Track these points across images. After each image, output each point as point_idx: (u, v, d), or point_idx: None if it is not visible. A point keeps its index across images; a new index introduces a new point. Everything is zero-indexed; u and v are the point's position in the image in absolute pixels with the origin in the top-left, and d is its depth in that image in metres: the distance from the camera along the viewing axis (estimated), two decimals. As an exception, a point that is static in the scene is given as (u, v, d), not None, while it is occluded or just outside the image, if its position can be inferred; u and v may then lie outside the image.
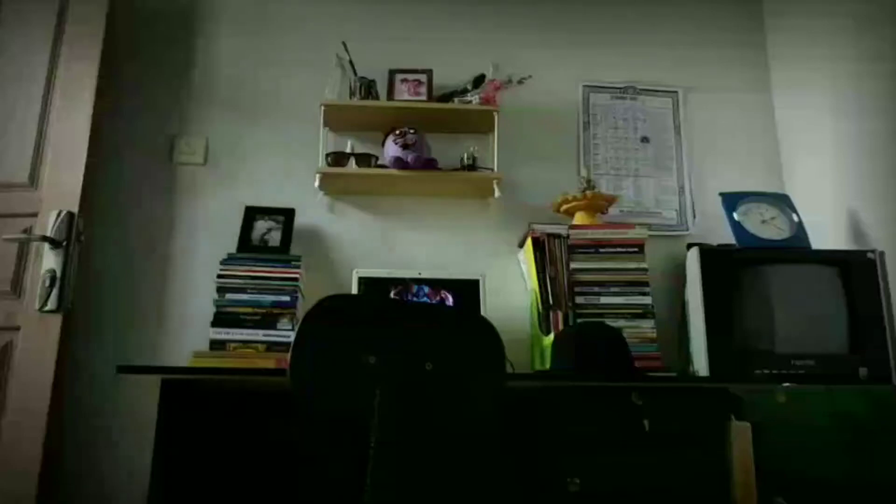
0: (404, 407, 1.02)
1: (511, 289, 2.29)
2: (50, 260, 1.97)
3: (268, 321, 1.97)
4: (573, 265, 2.10)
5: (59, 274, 1.96)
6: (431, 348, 1.09)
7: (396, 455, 0.95)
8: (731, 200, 2.21)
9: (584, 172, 2.35)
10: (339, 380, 1.09)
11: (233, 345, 1.93)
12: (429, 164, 2.25)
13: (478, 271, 2.16)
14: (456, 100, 2.35)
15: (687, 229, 2.46)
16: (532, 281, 2.15)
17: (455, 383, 1.10)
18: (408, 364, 1.06)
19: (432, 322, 1.09)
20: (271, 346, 1.94)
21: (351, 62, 2.34)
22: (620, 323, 2.04)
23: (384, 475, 0.88)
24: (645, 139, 2.55)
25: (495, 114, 2.32)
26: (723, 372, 1.92)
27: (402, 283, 2.10)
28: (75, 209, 2.01)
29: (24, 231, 2.01)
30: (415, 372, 1.07)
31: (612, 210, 2.38)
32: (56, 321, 1.93)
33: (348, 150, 2.27)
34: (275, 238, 2.14)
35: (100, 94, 2.13)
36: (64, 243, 1.98)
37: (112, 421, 2.07)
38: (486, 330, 1.25)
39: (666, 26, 2.68)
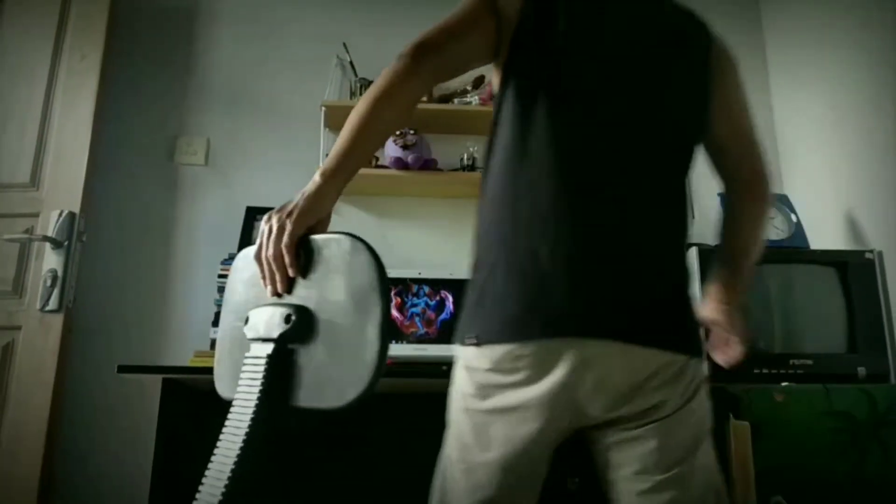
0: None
1: (511, 289, 2.29)
2: (51, 260, 1.98)
3: (268, 321, 1.98)
4: (573, 265, 2.10)
5: (60, 274, 1.96)
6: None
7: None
8: (730, 201, 2.22)
9: (583, 173, 2.35)
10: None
11: (233, 344, 1.93)
12: (429, 165, 2.25)
13: (477, 271, 2.16)
14: (456, 101, 2.35)
15: (686, 229, 2.46)
16: (532, 281, 2.16)
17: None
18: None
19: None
20: (272, 346, 1.94)
21: (351, 63, 2.34)
22: (620, 323, 2.05)
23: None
24: (644, 140, 2.56)
25: (495, 114, 2.32)
26: (721, 371, 1.92)
27: (402, 283, 2.10)
28: (77, 209, 2.02)
29: (26, 231, 2.01)
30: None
31: (612, 210, 2.38)
32: (57, 321, 1.94)
33: (348, 150, 2.27)
34: (275, 238, 2.14)
35: (101, 94, 2.14)
36: (65, 243, 1.98)
37: (113, 420, 2.07)
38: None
39: (665, 27, 2.68)
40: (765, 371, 1.91)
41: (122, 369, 1.61)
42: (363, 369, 0.77)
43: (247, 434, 0.76)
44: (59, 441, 1.96)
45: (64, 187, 2.05)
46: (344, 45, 2.34)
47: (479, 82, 2.38)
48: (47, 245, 1.99)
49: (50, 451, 1.88)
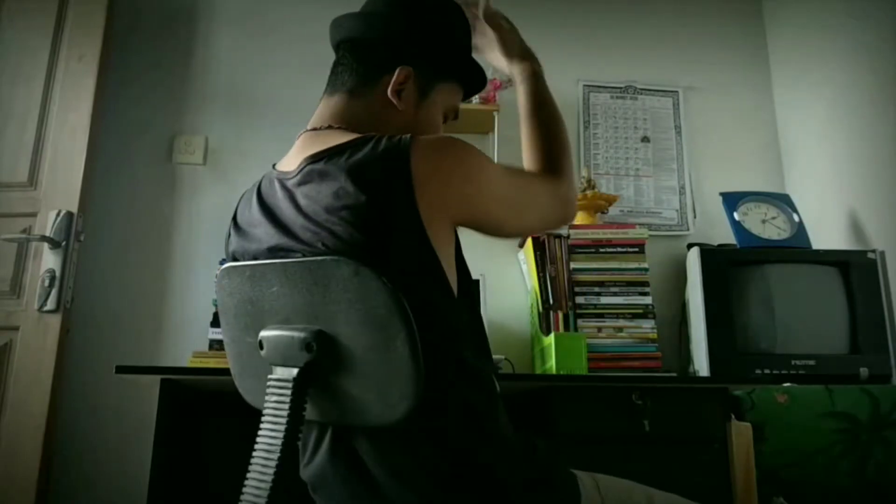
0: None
1: (511, 289, 2.29)
2: (49, 260, 1.97)
3: (267, 321, 1.97)
4: (573, 265, 2.10)
5: (58, 274, 1.96)
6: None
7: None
8: (732, 200, 2.21)
9: (584, 172, 2.35)
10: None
11: (232, 345, 1.92)
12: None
13: (478, 271, 2.16)
14: (456, 99, 2.34)
15: (687, 229, 2.46)
16: (532, 281, 2.15)
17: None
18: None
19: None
20: (271, 346, 1.94)
21: (351, 62, 2.33)
22: (621, 322, 2.04)
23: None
24: (645, 139, 2.55)
25: (495, 114, 2.32)
26: (723, 372, 1.92)
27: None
28: (74, 209, 2.01)
29: (24, 231, 2.01)
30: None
31: (613, 210, 2.37)
32: (55, 321, 1.93)
33: (348, 149, 2.26)
34: (274, 238, 2.14)
35: (99, 94, 2.13)
36: (63, 243, 1.98)
37: (111, 421, 2.06)
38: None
39: (666, 26, 2.67)
40: (766, 371, 1.90)
41: (121, 370, 1.60)
42: (405, 385, 0.78)
43: (279, 459, 0.80)
44: (57, 442, 1.96)
45: (62, 187, 2.04)
46: (343, 43, 2.33)
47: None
48: (45, 245, 1.98)
49: (48, 452, 1.87)
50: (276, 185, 0.95)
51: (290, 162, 0.96)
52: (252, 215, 0.97)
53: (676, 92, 2.61)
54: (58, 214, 2.00)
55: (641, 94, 2.59)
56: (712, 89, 2.62)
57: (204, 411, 1.83)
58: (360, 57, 1.00)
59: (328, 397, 0.85)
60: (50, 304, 1.93)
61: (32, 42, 2.17)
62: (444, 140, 0.89)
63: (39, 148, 2.09)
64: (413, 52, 1.00)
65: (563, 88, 2.56)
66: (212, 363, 1.80)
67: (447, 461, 0.84)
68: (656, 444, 1.62)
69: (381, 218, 0.83)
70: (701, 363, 1.98)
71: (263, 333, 0.88)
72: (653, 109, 2.58)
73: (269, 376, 0.86)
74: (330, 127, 0.98)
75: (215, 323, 1.95)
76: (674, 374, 2.10)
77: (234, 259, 0.98)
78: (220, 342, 1.92)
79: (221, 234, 2.21)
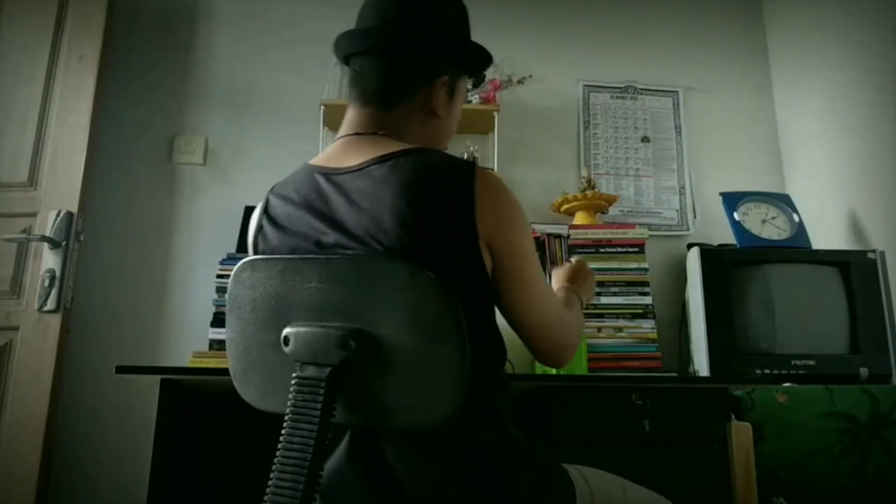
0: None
1: (511, 289, 2.28)
2: (49, 260, 1.97)
3: (267, 321, 1.96)
4: (573, 265, 2.10)
5: (58, 274, 1.96)
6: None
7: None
8: (732, 200, 2.21)
9: (584, 172, 2.34)
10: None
11: (232, 345, 1.92)
12: (429, 164, 2.24)
13: (478, 271, 2.15)
14: (456, 99, 2.34)
15: (687, 229, 2.46)
16: (532, 281, 2.15)
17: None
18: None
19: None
20: (271, 346, 1.93)
21: (351, 62, 2.33)
22: (621, 322, 2.04)
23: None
24: (645, 139, 2.55)
25: (495, 114, 2.32)
26: (723, 372, 1.92)
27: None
28: (74, 209, 2.01)
29: (24, 231, 2.01)
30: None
31: (613, 210, 2.37)
32: (55, 321, 1.93)
33: (348, 149, 2.26)
34: (274, 238, 2.13)
35: (99, 94, 2.13)
36: (63, 243, 1.98)
37: (111, 421, 2.06)
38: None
39: (666, 26, 2.67)
40: (767, 371, 1.90)
41: (121, 370, 1.61)
42: (449, 390, 0.77)
43: (311, 462, 0.77)
44: (57, 442, 1.96)
45: (62, 187, 2.04)
46: (343, 43, 2.33)
47: (479, 81, 2.37)
48: (45, 245, 1.99)
49: (47, 452, 1.87)
50: (321, 179, 0.95)
51: (342, 159, 0.96)
52: (292, 210, 0.97)
53: (676, 92, 2.60)
54: (58, 214, 2.00)
55: (641, 94, 2.59)
56: (712, 89, 2.62)
57: (204, 411, 1.83)
58: (392, 69, 1.01)
59: (357, 398, 0.82)
60: (50, 304, 1.93)
61: (32, 42, 2.16)
62: (503, 183, 0.96)
63: (39, 148, 2.09)
64: (445, 61, 1.04)
65: (563, 88, 2.56)
66: (212, 363, 1.80)
67: (466, 461, 0.85)
68: (656, 444, 1.62)
69: (440, 223, 0.85)
70: (701, 363, 1.98)
71: (290, 329, 0.84)
72: (653, 109, 2.58)
73: (296, 374, 0.82)
74: (375, 133, 0.99)
75: (215, 323, 1.95)
76: (674, 374, 2.10)
77: (265, 254, 0.97)
78: (220, 342, 1.92)
79: (221, 233, 2.23)
